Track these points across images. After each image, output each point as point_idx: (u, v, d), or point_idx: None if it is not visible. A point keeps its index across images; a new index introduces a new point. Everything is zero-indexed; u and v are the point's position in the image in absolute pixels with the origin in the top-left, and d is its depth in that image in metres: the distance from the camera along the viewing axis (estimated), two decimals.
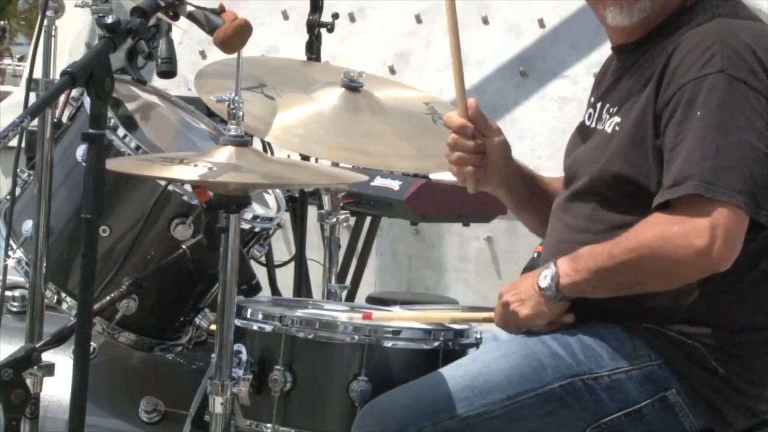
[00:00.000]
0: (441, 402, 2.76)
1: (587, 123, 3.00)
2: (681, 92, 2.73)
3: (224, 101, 2.95)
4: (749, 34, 2.79)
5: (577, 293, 2.80)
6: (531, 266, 3.67)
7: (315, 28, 4.74)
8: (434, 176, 4.65)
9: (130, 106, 3.40)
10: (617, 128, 2.86)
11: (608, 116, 2.90)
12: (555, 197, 3.09)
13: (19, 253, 3.28)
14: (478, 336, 2.99)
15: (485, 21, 6.76)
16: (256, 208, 3.39)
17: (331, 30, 4.79)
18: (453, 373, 2.82)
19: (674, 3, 2.90)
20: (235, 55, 2.93)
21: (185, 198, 3.22)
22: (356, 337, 2.88)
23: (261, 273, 3.60)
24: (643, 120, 2.80)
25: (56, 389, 3.06)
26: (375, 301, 4.30)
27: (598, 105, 2.97)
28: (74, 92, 3.22)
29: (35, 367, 3.00)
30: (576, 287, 2.79)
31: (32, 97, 3.10)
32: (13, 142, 2.78)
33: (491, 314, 2.96)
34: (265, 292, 3.70)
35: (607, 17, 2.92)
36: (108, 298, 3.22)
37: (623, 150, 2.83)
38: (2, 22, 39.98)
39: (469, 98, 3.07)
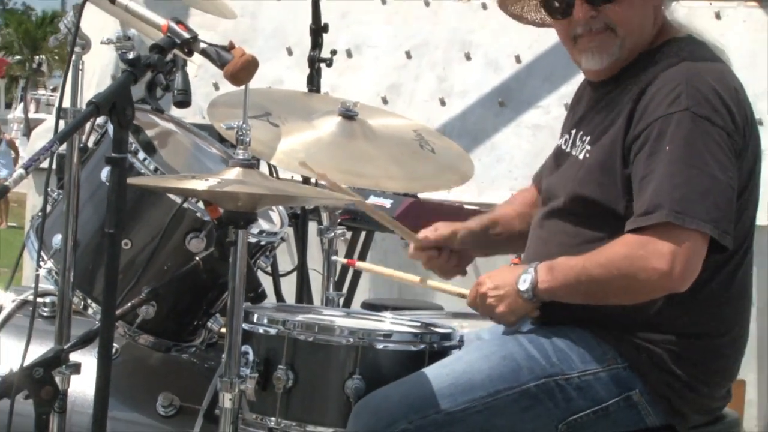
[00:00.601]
0: (428, 398, 2.76)
1: (563, 147, 3.00)
2: (651, 128, 2.74)
3: (233, 128, 2.95)
4: (712, 75, 2.79)
5: (551, 298, 2.81)
6: None
7: (315, 63, 4.75)
8: (422, 195, 4.66)
9: (150, 133, 3.40)
10: (588, 156, 2.87)
11: (581, 144, 2.91)
12: (511, 220, 3.16)
13: (49, 264, 3.28)
14: (461, 339, 2.99)
15: (468, 57, 6.78)
16: (262, 224, 3.39)
17: (330, 65, 4.80)
18: (439, 371, 2.82)
19: (642, 46, 2.91)
20: (243, 87, 2.94)
21: (198, 214, 3.22)
22: (351, 340, 2.88)
23: (266, 282, 3.60)
24: (613, 150, 2.80)
25: (82, 386, 3.06)
26: (369, 306, 4.30)
27: (573, 131, 2.97)
28: (99, 120, 3.23)
29: (63, 366, 3.01)
30: (551, 293, 2.80)
31: (62, 124, 3.10)
32: (45, 164, 2.79)
33: (465, 292, 2.98)
34: (270, 298, 3.69)
35: (581, 62, 2.94)
36: (129, 304, 3.22)
37: (594, 176, 2.83)
38: (39, 58, 39.99)
39: (419, 234, 3.21)
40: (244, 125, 2.93)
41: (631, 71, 2.89)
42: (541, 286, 2.79)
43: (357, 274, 4.93)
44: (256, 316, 2.98)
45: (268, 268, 3.61)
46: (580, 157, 2.89)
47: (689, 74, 2.78)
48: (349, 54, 6.86)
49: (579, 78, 3.13)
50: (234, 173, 2.88)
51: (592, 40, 2.89)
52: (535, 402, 2.78)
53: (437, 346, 2.93)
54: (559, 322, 2.86)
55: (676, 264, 2.67)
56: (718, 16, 6.25)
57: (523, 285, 2.81)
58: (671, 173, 2.68)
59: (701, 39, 2.94)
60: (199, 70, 5.93)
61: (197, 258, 3.23)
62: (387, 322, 3.15)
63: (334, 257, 3.64)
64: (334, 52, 4.78)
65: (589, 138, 2.89)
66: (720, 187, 2.70)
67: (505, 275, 2.87)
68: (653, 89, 2.78)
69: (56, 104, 3.36)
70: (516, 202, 3.25)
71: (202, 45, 2.87)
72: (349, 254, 4.85)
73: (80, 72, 3.19)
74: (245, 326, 2.93)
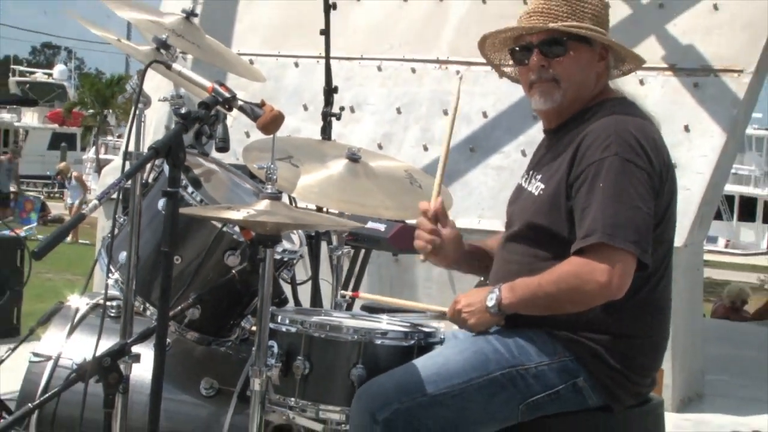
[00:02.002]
0: (416, 384, 2.73)
1: (523, 184, 2.98)
2: (588, 169, 2.73)
3: (263, 168, 2.94)
4: (635, 127, 2.78)
5: (513, 311, 2.80)
6: (479, 286, 3.66)
7: (327, 116, 4.75)
8: (410, 221, 4.63)
9: (197, 171, 3.38)
10: (541, 192, 2.85)
11: (535, 182, 2.89)
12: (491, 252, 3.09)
13: (116, 275, 3.25)
14: (443, 336, 2.97)
15: (445, 113, 6.76)
16: (285, 244, 3.37)
17: (338, 118, 4.80)
18: (425, 363, 2.80)
19: (583, 100, 2.90)
20: (271, 136, 2.93)
21: (235, 236, 3.19)
22: (355, 337, 2.86)
23: (287, 290, 3.58)
24: (559, 187, 2.79)
25: (141, 372, 3.03)
26: (368, 310, 4.27)
27: (531, 172, 2.96)
28: (157, 161, 3.21)
29: (126, 356, 2.98)
30: (513, 307, 2.78)
31: (127, 165, 3.09)
32: (114, 196, 2.77)
33: (445, 310, 2.96)
34: (291, 303, 3.67)
35: (532, 103, 2.94)
36: (179, 307, 3.19)
37: (545, 208, 2.82)
38: (108, 111, 40.07)
39: (438, 198, 3.02)
40: (271, 165, 2.91)
41: (574, 123, 2.87)
42: (504, 302, 2.78)
43: (357, 283, 4.90)
44: (279, 317, 2.95)
45: (289, 279, 3.58)
46: (535, 192, 2.88)
47: (617, 126, 2.77)
48: (352, 110, 6.86)
49: (533, 130, 3.14)
50: (263, 204, 2.87)
51: (541, 86, 2.88)
52: (501, 387, 2.75)
53: (424, 342, 2.91)
54: (519, 325, 2.84)
55: (613, 278, 2.66)
56: (642, 82, 6.25)
57: (490, 302, 2.80)
58: (604, 206, 2.68)
59: (632, 101, 2.93)
60: (234, 122, 5.93)
61: (233, 271, 3.19)
62: (384, 322, 3.12)
63: (342, 291, 3.60)
64: (342, 109, 4.78)
65: (541, 177, 2.88)
66: (641, 216, 2.69)
67: (476, 295, 2.86)
68: (590, 138, 2.76)
69: (122, 148, 3.34)
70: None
71: (240, 102, 2.86)
72: (351, 268, 4.84)
73: (142, 123, 3.18)
74: (271, 325, 2.91)
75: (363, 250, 4.86)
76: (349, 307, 3.88)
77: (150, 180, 3.33)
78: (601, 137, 2.74)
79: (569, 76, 2.86)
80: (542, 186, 2.85)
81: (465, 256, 3.08)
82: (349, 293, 3.67)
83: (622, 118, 2.81)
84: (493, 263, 3.02)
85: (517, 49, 2.92)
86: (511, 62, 3.02)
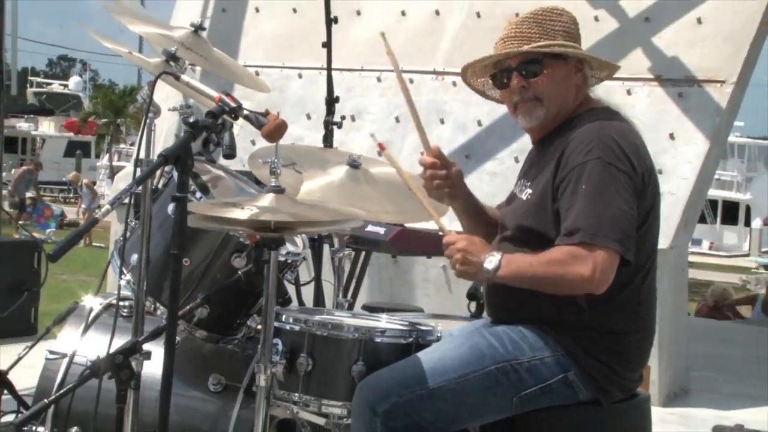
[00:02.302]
0: (414, 378, 2.73)
1: (515, 191, 2.99)
2: (572, 172, 2.73)
3: (267, 162, 2.94)
4: (617, 132, 2.79)
5: (504, 281, 2.77)
6: (472, 288, 3.66)
7: (329, 125, 4.74)
8: (408, 225, 4.63)
9: (204, 177, 3.38)
10: (529, 197, 2.86)
11: (525, 188, 2.90)
12: (488, 215, 3.11)
13: (128, 276, 3.25)
14: (440, 334, 2.96)
15: (442, 121, 6.78)
16: (289, 247, 3.36)
17: (340, 127, 4.80)
18: (422, 358, 2.80)
19: (566, 112, 2.90)
20: (275, 143, 2.93)
21: (241, 239, 3.19)
22: (356, 335, 2.85)
23: (291, 290, 3.57)
24: (546, 191, 2.80)
25: (152, 369, 3.02)
26: (368, 309, 4.27)
27: (521, 180, 2.97)
28: (167, 168, 3.20)
29: (138, 354, 2.97)
30: (505, 278, 2.76)
31: (138, 171, 3.08)
32: (126, 201, 2.77)
33: (448, 231, 2.86)
34: (294, 303, 3.66)
35: (518, 122, 2.96)
36: (188, 307, 3.19)
37: (532, 210, 2.83)
38: (120, 120, 40.06)
39: (433, 144, 3.05)
40: (275, 160, 2.91)
41: (559, 133, 2.88)
42: (500, 271, 2.74)
43: (358, 284, 4.90)
44: (284, 316, 2.95)
45: (293, 280, 3.58)
46: (524, 198, 2.89)
47: (599, 132, 2.78)
48: (353, 118, 6.86)
49: (525, 138, 3.12)
50: (268, 198, 2.86)
51: (525, 106, 2.90)
52: (496, 381, 2.75)
53: (421, 340, 2.90)
54: (513, 322, 2.83)
55: (596, 272, 2.65)
56: (629, 92, 6.25)
57: (489, 265, 2.74)
58: (586, 206, 2.68)
59: (616, 110, 2.94)
60: (240, 130, 5.92)
61: (240, 272, 3.19)
62: (383, 321, 3.11)
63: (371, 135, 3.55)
64: (343, 117, 4.77)
65: (530, 184, 2.89)
66: (623, 215, 2.69)
67: (480, 248, 2.79)
68: (573, 144, 2.77)
69: (134, 156, 3.34)
70: (492, 210, 3.19)
71: (245, 112, 2.85)
72: (353, 269, 4.83)
73: (152, 132, 3.18)
74: (276, 324, 2.91)
75: (364, 252, 4.86)
76: (351, 307, 3.88)
77: (160, 186, 3.33)
78: (584, 142, 2.75)
79: (549, 92, 2.87)
80: (530, 191, 2.87)
81: (467, 194, 3.09)
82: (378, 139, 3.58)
83: (605, 124, 2.82)
84: (485, 223, 3.05)
85: (498, 73, 2.94)
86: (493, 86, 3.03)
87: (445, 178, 3.03)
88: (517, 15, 2.95)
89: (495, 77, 2.96)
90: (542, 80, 2.86)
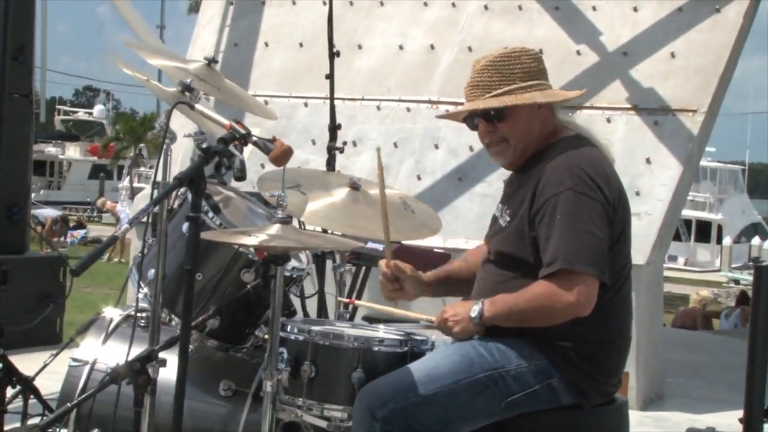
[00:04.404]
0: (409, 385, 2.73)
1: (496, 214, 3.00)
2: (547, 203, 2.74)
3: (275, 196, 2.94)
4: (586, 162, 2.79)
5: (492, 323, 2.79)
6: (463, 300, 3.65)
7: (332, 150, 4.75)
8: (405, 242, 4.63)
9: (216, 198, 3.38)
10: (507, 224, 2.87)
11: (505, 215, 2.91)
12: (464, 273, 3.11)
13: (145, 290, 3.25)
14: (432, 343, 2.96)
15: (436, 146, 6.79)
16: (294, 263, 3.36)
17: (342, 152, 4.80)
18: (417, 366, 2.79)
19: (535, 145, 2.89)
20: (282, 167, 2.93)
21: (250, 255, 3.19)
22: (356, 344, 2.85)
23: (296, 303, 3.57)
24: (522, 220, 2.81)
25: (167, 375, 3.01)
26: (367, 320, 4.26)
27: (502, 206, 2.97)
28: (181, 190, 3.21)
29: (154, 361, 2.97)
30: (492, 319, 2.78)
31: (155, 193, 3.09)
32: (144, 220, 2.77)
33: (433, 318, 2.96)
34: (299, 314, 3.66)
35: (492, 159, 3.00)
36: (200, 318, 3.18)
37: (511, 239, 2.84)
38: (140, 146, 40.07)
39: (392, 261, 3.09)
40: (282, 194, 2.91)
41: (533, 162, 2.88)
42: (485, 315, 2.78)
43: (358, 297, 4.88)
44: (289, 326, 2.95)
45: (298, 293, 3.58)
46: (503, 224, 2.89)
47: (569, 163, 2.77)
48: (354, 144, 6.87)
49: None
50: (275, 227, 2.87)
51: (495, 148, 2.93)
52: (485, 387, 2.75)
53: (416, 349, 2.90)
54: (501, 334, 2.83)
55: (580, 297, 2.67)
56: (608, 120, 6.27)
57: (474, 314, 2.79)
58: (562, 235, 2.69)
59: (587, 135, 2.93)
60: (250, 155, 5.94)
61: (249, 286, 3.18)
62: (381, 331, 3.10)
63: (339, 298, 3.61)
64: (345, 143, 4.78)
65: (509, 211, 2.89)
66: (597, 241, 2.70)
67: (461, 306, 2.86)
68: (546, 176, 2.77)
69: (152, 178, 3.34)
70: (469, 258, 3.20)
71: (254, 138, 2.86)
72: (353, 283, 4.83)
73: (169, 156, 3.18)
74: (281, 334, 2.91)
75: (364, 268, 4.85)
76: (351, 318, 3.87)
77: (175, 206, 3.32)
78: (556, 174, 2.76)
79: (514, 134, 2.88)
80: (508, 219, 2.88)
81: (434, 289, 3.12)
82: (345, 300, 3.66)
83: (575, 154, 2.81)
84: (458, 282, 3.09)
85: (467, 119, 2.97)
86: None
87: (396, 289, 3.08)
88: (478, 61, 2.95)
89: (466, 122, 2.98)
90: (507, 124, 2.87)
